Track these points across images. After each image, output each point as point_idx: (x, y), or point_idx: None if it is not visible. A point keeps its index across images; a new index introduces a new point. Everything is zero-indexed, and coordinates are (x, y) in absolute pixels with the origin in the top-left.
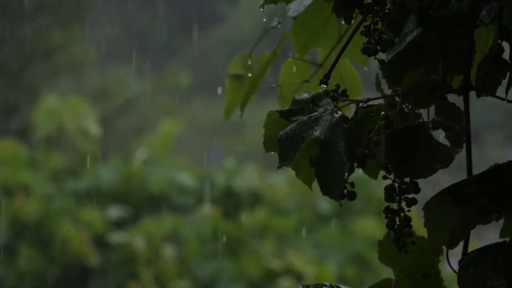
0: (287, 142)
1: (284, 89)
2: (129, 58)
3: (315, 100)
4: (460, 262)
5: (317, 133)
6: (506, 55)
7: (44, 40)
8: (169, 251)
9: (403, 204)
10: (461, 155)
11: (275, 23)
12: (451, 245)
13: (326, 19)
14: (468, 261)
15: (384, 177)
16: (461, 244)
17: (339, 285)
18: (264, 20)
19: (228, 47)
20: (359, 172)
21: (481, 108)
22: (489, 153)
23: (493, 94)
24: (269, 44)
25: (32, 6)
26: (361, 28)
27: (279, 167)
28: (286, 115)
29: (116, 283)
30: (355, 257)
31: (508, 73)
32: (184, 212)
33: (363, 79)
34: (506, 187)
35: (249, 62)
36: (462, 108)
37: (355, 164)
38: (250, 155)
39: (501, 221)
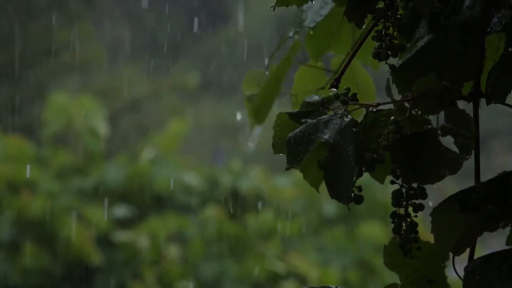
0: (296, 144)
1: (299, 97)
2: (137, 57)
3: (325, 103)
4: (466, 268)
5: (326, 136)
6: None
7: (52, 38)
8: (173, 251)
9: (410, 209)
10: (467, 162)
11: (291, 33)
12: (458, 252)
13: (341, 24)
14: (474, 268)
15: (392, 182)
16: (467, 250)
17: None
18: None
19: (236, 47)
20: (363, 176)
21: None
22: (495, 160)
23: (502, 101)
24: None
25: (40, 4)
26: (373, 33)
27: (287, 169)
28: (296, 117)
29: (120, 282)
30: (359, 261)
31: None
32: (189, 212)
33: (374, 83)
34: None
35: (267, 73)
36: (471, 114)
37: (363, 168)
38: (256, 156)
39: (508, 229)
